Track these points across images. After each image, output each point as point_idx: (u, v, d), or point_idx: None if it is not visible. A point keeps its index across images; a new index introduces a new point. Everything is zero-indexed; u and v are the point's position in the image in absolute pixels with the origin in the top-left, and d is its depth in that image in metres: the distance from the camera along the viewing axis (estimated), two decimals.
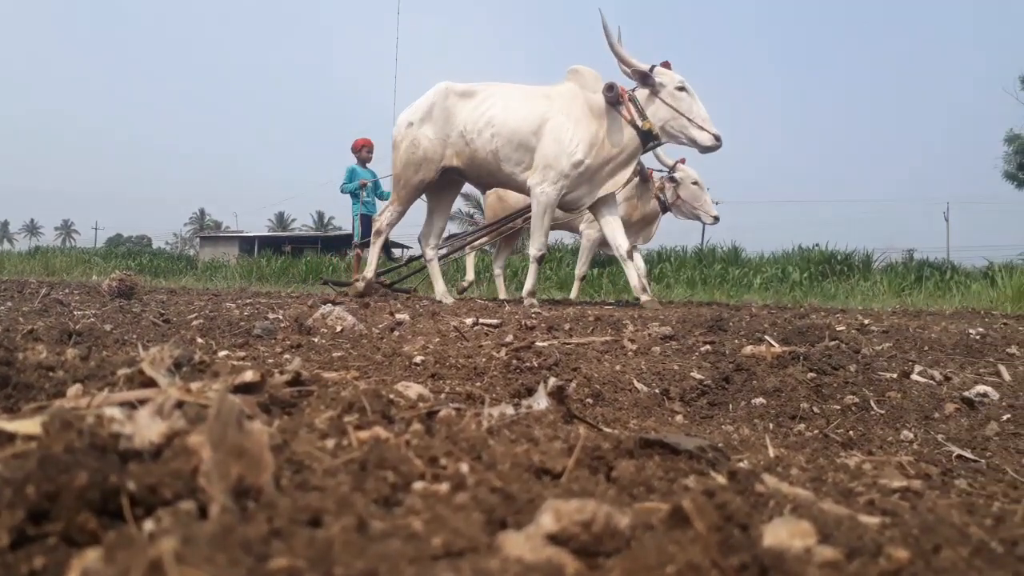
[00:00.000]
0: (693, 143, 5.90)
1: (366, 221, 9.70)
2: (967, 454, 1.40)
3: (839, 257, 17.61)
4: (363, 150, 10.02)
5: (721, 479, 0.82)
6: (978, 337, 2.93)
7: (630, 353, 2.30)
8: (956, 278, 13.91)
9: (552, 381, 1.36)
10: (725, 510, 0.63)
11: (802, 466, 1.08)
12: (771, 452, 1.22)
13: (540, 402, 1.31)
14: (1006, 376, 2.13)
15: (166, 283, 14.01)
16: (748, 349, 2.26)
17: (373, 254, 6.86)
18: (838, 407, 1.72)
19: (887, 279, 12.34)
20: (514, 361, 1.94)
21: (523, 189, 6.30)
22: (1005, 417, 1.66)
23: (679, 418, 1.63)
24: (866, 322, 3.71)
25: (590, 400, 1.68)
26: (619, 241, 6.14)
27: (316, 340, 2.54)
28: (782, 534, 0.64)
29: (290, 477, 0.69)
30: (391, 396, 1.05)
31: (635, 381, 1.85)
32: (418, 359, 2.03)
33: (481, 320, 3.35)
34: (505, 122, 6.06)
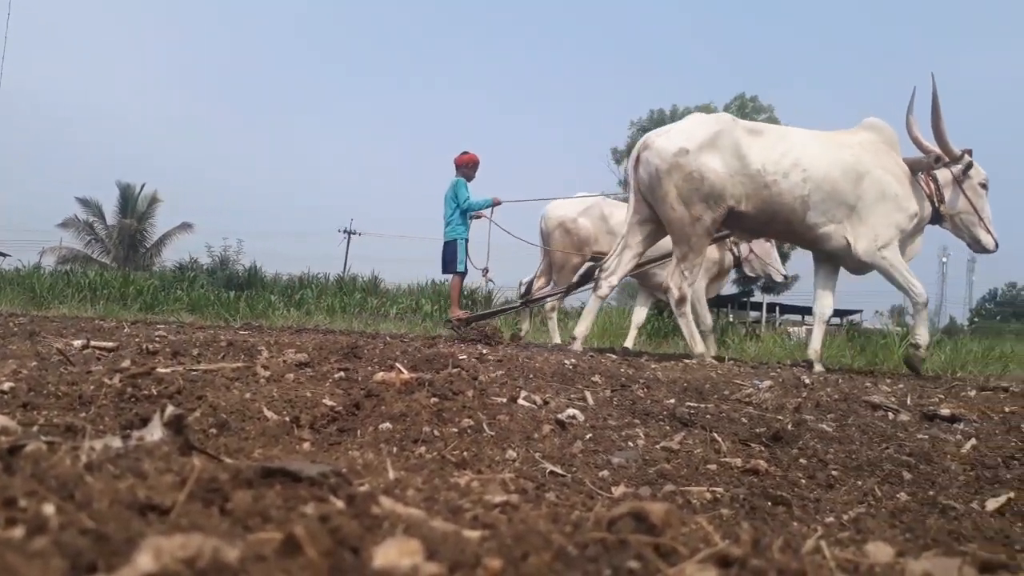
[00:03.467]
0: (975, 242, 5.82)
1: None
2: (557, 469, 1.62)
3: (465, 293, 19.48)
4: (473, 168, 8.44)
5: (340, 504, 0.84)
6: (571, 367, 3.41)
7: (262, 380, 2.22)
8: (558, 316, 15.98)
9: (170, 410, 1.27)
10: (338, 534, 0.65)
11: (418, 487, 1.15)
12: (391, 475, 1.27)
13: (154, 433, 1.21)
14: (590, 400, 2.51)
15: None
16: (380, 376, 2.34)
17: (693, 332, 5.75)
18: (456, 430, 1.86)
19: (506, 317, 13.64)
20: (129, 389, 1.76)
21: (813, 243, 5.76)
22: (588, 436, 1.95)
23: (307, 445, 1.62)
24: (484, 352, 4.08)
25: (214, 430, 1.59)
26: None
27: None
28: (392, 554, 0.68)
29: None
30: None
31: (265, 409, 1.79)
32: (6, 386, 1.74)
33: (93, 342, 2.97)
34: (816, 166, 5.46)
